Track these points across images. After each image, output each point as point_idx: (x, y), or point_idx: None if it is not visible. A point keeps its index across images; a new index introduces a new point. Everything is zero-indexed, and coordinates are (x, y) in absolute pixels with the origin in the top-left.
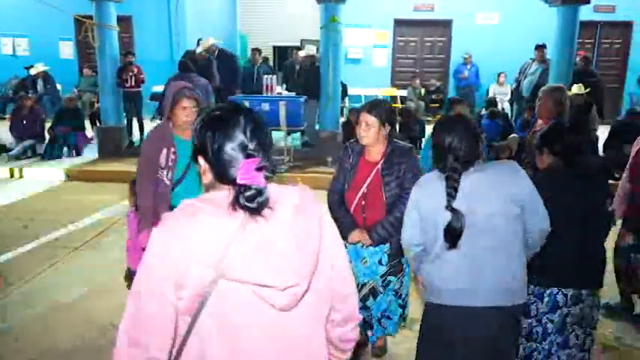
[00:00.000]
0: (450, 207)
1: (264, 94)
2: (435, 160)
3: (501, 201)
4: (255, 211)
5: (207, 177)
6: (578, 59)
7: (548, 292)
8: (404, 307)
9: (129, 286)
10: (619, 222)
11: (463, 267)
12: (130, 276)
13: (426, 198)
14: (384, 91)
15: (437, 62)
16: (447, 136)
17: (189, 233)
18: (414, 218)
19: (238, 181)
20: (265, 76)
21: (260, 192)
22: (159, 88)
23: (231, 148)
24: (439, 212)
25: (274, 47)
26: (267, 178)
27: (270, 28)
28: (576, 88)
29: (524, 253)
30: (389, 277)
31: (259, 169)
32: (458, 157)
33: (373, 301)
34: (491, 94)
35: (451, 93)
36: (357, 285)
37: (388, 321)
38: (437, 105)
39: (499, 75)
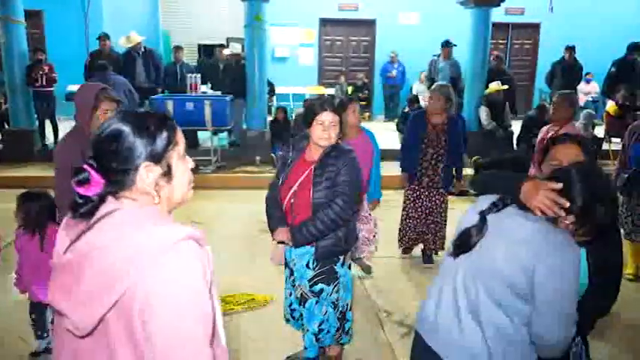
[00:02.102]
0: (483, 213)
1: (189, 93)
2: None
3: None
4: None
5: None
6: (491, 58)
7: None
8: (345, 321)
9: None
10: None
11: (436, 293)
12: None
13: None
14: (312, 89)
15: (362, 61)
16: None
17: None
18: None
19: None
20: (189, 75)
21: (78, 204)
22: (75, 88)
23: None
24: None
25: (199, 45)
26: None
27: (195, 26)
28: (495, 85)
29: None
30: (320, 285)
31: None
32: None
33: (303, 307)
34: (414, 92)
35: (377, 91)
36: (294, 286)
37: (329, 336)
38: (364, 103)
39: (421, 73)
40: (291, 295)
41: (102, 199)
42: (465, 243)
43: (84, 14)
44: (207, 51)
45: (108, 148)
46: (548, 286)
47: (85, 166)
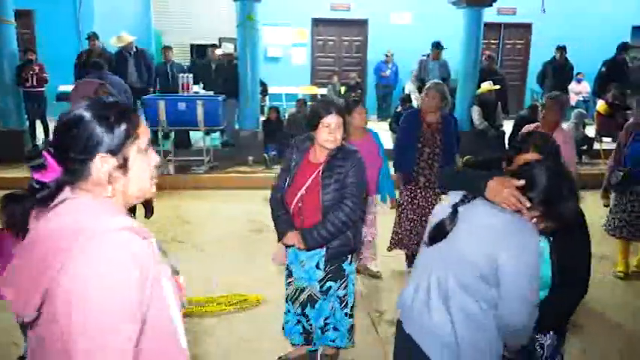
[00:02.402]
0: (455, 205)
1: (181, 93)
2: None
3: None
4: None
5: None
6: (483, 58)
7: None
8: (352, 317)
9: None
10: None
11: (415, 279)
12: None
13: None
14: (304, 89)
15: (355, 61)
16: None
17: None
18: None
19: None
20: (181, 74)
21: (34, 189)
22: (66, 88)
23: None
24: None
25: (192, 45)
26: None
27: (188, 26)
28: (487, 85)
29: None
30: (328, 283)
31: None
32: None
33: (312, 309)
34: (407, 92)
35: (370, 91)
36: (296, 290)
37: (335, 332)
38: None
39: (413, 73)
40: (293, 305)
41: (59, 187)
42: (440, 233)
43: (75, 14)
44: (199, 51)
45: (67, 134)
46: (511, 270)
47: (44, 153)
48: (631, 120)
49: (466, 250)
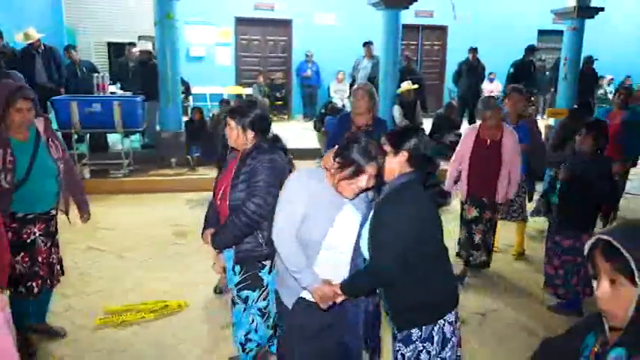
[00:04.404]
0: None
1: (96, 94)
2: None
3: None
4: None
5: None
6: (402, 58)
7: (436, 328)
8: (277, 328)
9: None
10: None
11: None
12: None
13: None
14: (230, 89)
15: (280, 61)
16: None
17: None
18: None
19: None
20: (95, 74)
21: None
22: None
23: None
24: None
25: (108, 43)
26: None
27: (104, 23)
28: (406, 85)
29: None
30: (245, 292)
31: None
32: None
33: (232, 315)
34: (332, 92)
35: (294, 91)
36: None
37: (254, 346)
38: (281, 103)
39: (338, 73)
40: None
41: None
42: None
43: None
44: (117, 49)
45: None
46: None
47: None
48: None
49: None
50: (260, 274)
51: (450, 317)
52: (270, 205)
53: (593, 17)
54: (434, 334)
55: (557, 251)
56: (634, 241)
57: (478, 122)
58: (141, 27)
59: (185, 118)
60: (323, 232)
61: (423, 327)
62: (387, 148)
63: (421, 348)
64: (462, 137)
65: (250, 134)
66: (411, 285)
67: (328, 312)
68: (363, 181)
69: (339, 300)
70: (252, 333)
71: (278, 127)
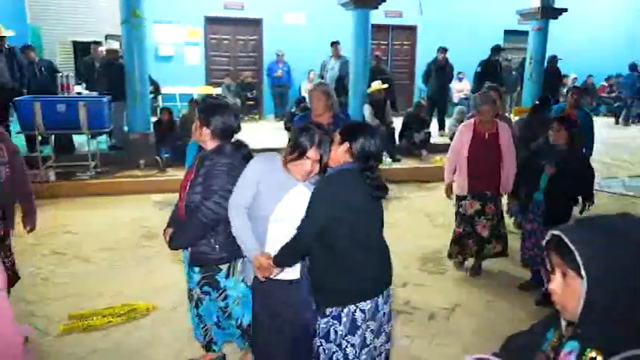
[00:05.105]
0: None
1: (60, 94)
2: None
3: None
4: None
5: None
6: (372, 58)
7: (345, 311)
8: (242, 329)
9: None
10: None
11: None
12: None
13: None
14: (200, 89)
15: (251, 60)
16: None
17: None
18: None
19: None
20: (59, 74)
21: None
22: None
23: None
24: None
25: (74, 43)
26: None
27: (69, 22)
28: (376, 84)
29: None
30: (205, 287)
31: None
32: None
33: (202, 309)
34: (303, 92)
35: (265, 91)
36: (189, 290)
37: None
38: (252, 102)
39: (309, 72)
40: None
41: None
42: None
43: None
44: (84, 49)
45: None
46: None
47: None
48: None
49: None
50: (217, 277)
51: (364, 306)
52: (225, 209)
53: (556, 18)
54: (342, 315)
55: (533, 237)
56: (581, 235)
57: (472, 119)
58: (108, 26)
59: (154, 119)
60: (270, 209)
61: (334, 306)
62: (336, 138)
63: (331, 324)
64: (456, 134)
65: (206, 132)
66: (327, 266)
67: (285, 288)
68: (307, 164)
69: (274, 271)
70: (214, 328)
71: (249, 127)
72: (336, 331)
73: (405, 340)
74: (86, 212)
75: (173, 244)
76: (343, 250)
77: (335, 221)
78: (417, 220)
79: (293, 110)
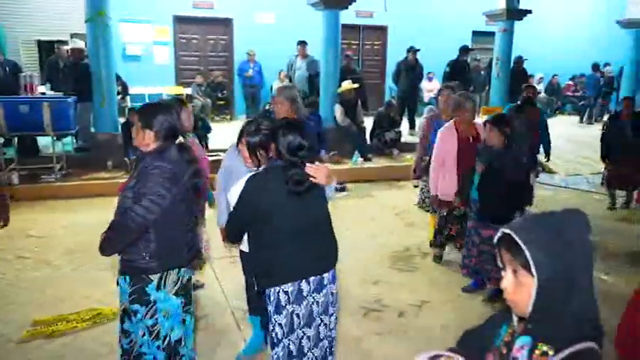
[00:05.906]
0: None
1: (23, 95)
2: None
3: None
4: None
5: None
6: (342, 58)
7: (272, 291)
8: (179, 356)
9: None
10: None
11: None
12: None
13: None
14: (169, 89)
15: (221, 60)
16: None
17: None
18: None
19: None
20: (22, 74)
21: None
22: None
23: None
24: None
25: (39, 41)
26: None
27: (33, 20)
28: (347, 84)
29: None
30: (134, 305)
31: None
32: None
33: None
34: (274, 92)
35: (237, 91)
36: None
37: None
38: (223, 103)
39: (280, 72)
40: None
41: None
42: None
43: None
44: (48, 48)
45: None
46: None
47: None
48: (434, 112)
49: None
50: (147, 289)
51: (287, 288)
52: (154, 214)
53: (521, 19)
54: (270, 295)
55: (477, 241)
56: (531, 234)
57: (451, 122)
58: (74, 24)
59: (122, 120)
60: (227, 189)
61: (264, 286)
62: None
63: (265, 302)
64: (438, 140)
65: (149, 135)
66: (255, 252)
67: (245, 257)
68: (244, 151)
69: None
70: (144, 346)
71: (221, 128)
72: (265, 309)
73: (372, 337)
74: (51, 215)
75: (103, 247)
76: (268, 240)
77: (249, 210)
78: (388, 219)
79: (267, 108)
